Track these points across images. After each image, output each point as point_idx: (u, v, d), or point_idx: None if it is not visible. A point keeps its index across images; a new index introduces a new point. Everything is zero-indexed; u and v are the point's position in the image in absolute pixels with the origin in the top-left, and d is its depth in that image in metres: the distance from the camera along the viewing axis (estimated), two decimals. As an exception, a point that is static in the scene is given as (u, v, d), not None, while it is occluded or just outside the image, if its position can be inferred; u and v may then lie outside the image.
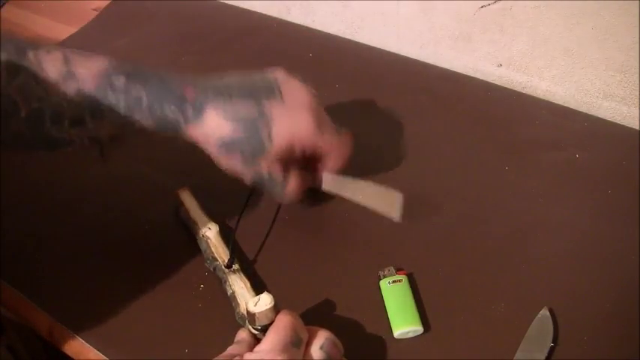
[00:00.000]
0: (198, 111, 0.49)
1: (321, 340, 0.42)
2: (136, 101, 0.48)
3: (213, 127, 0.49)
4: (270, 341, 0.41)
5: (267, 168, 0.51)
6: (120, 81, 0.48)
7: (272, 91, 0.50)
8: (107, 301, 0.52)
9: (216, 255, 0.53)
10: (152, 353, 0.48)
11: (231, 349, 0.43)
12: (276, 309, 0.46)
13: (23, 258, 0.56)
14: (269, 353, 0.40)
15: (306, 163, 0.54)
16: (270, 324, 0.46)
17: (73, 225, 0.56)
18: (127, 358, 0.48)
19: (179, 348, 0.49)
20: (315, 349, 0.42)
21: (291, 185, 0.52)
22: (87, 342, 0.50)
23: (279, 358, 0.40)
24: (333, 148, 0.53)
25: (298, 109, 0.50)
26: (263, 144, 0.49)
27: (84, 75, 0.48)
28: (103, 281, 0.54)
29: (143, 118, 0.48)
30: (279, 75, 0.52)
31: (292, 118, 0.50)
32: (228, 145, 0.50)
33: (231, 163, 0.51)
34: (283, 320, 0.43)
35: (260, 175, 0.51)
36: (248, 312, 0.44)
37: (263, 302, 0.45)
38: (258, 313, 0.44)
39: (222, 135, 0.49)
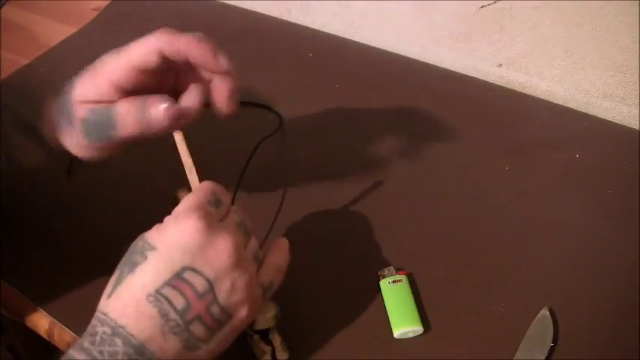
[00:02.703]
0: (45, 104, 0.48)
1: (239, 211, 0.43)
2: (6, 109, 0.48)
3: (51, 110, 0.47)
4: (186, 202, 0.41)
5: (82, 110, 0.45)
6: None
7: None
8: (107, 301, 0.52)
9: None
10: (152, 353, 0.48)
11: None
12: (277, 316, 0.47)
13: (23, 258, 0.56)
14: (183, 213, 0.40)
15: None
16: (269, 329, 0.46)
17: (73, 225, 0.56)
18: (127, 358, 0.48)
19: (179, 348, 0.49)
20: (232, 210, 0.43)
21: (118, 110, 0.44)
22: (87, 342, 0.50)
23: (192, 215, 0.39)
24: (205, 51, 0.43)
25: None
26: (66, 99, 0.46)
27: None
28: (103, 281, 0.54)
29: (12, 126, 0.48)
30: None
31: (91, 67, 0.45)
32: (58, 123, 0.47)
33: (66, 138, 0.47)
34: (202, 185, 0.43)
35: (85, 123, 0.45)
36: None
37: (265, 308, 0.46)
38: (257, 319, 0.46)
39: (53, 115, 0.47)
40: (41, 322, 0.53)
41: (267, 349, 0.47)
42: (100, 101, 0.44)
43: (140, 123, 0.44)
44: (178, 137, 0.45)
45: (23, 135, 0.49)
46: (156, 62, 0.43)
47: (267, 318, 0.46)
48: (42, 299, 0.53)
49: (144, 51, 0.43)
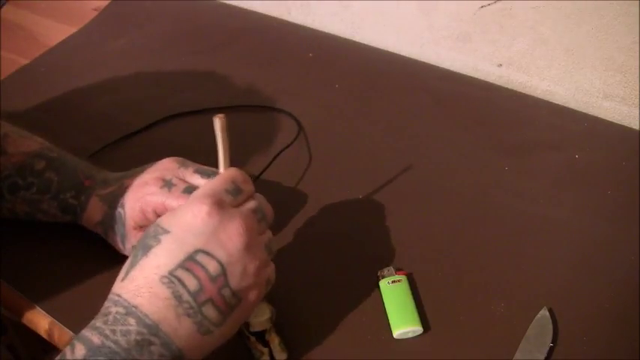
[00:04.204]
0: (87, 198, 0.53)
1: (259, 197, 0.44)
2: (47, 184, 0.53)
3: (93, 210, 0.53)
4: (203, 188, 0.42)
5: (135, 239, 0.51)
6: (40, 165, 0.54)
7: (140, 171, 0.52)
8: (107, 301, 0.52)
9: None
10: (152, 353, 0.48)
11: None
12: (273, 319, 0.47)
13: (23, 258, 0.56)
14: (197, 198, 0.41)
15: None
16: (264, 331, 0.46)
17: (73, 225, 0.56)
18: (126, 358, 0.48)
19: (179, 348, 0.49)
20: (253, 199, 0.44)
21: None
22: (87, 342, 0.50)
23: (206, 200, 0.40)
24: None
25: (146, 174, 0.51)
26: (120, 213, 0.51)
27: (13, 152, 0.54)
28: (103, 281, 0.54)
29: (50, 200, 0.54)
30: (162, 161, 0.52)
31: (140, 183, 0.51)
32: (102, 225, 0.53)
33: (115, 245, 0.53)
34: (224, 172, 0.44)
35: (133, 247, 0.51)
36: None
37: (260, 311, 0.46)
38: (253, 321, 0.46)
39: (99, 217, 0.53)
40: (41, 322, 0.53)
41: (265, 350, 0.47)
42: (147, 224, 0.50)
43: None
44: (219, 123, 0.44)
45: (63, 213, 0.54)
46: None
47: (262, 321, 0.46)
48: (42, 299, 0.53)
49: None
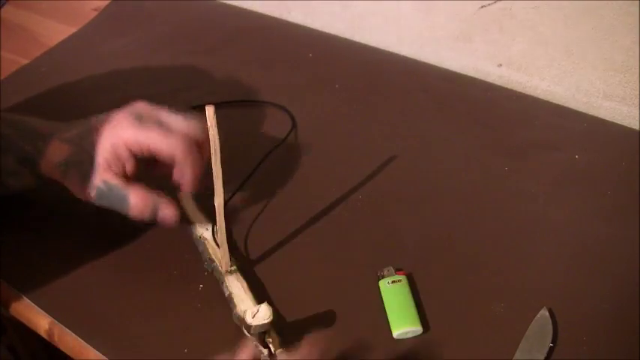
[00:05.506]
0: (45, 143, 0.52)
1: None
2: (4, 140, 0.52)
3: (53, 152, 0.52)
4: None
5: (99, 179, 0.50)
6: None
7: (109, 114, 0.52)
8: (107, 301, 0.52)
9: (213, 256, 0.53)
10: (151, 353, 0.48)
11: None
12: (273, 321, 0.47)
13: (23, 258, 0.56)
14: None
15: (149, 171, 0.53)
16: (264, 332, 0.46)
17: (73, 225, 0.56)
18: (126, 358, 0.48)
19: (179, 348, 0.49)
20: None
21: (133, 197, 0.50)
22: (87, 342, 0.50)
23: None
24: (165, 145, 0.49)
25: (117, 114, 0.51)
26: (89, 153, 0.51)
27: None
28: (102, 281, 0.54)
29: (6, 153, 0.52)
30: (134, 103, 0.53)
31: (112, 123, 0.51)
32: (65, 166, 0.52)
33: (74, 187, 0.52)
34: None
35: (99, 190, 0.51)
36: (245, 320, 0.45)
37: (262, 314, 0.46)
38: (254, 326, 0.46)
39: (60, 158, 0.52)
40: (41, 322, 0.53)
41: (265, 350, 0.47)
42: (118, 159, 0.50)
43: (148, 214, 0.51)
44: (210, 112, 0.45)
45: (20, 165, 0.53)
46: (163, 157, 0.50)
47: (263, 324, 0.46)
48: (42, 299, 0.53)
49: (160, 145, 0.49)
